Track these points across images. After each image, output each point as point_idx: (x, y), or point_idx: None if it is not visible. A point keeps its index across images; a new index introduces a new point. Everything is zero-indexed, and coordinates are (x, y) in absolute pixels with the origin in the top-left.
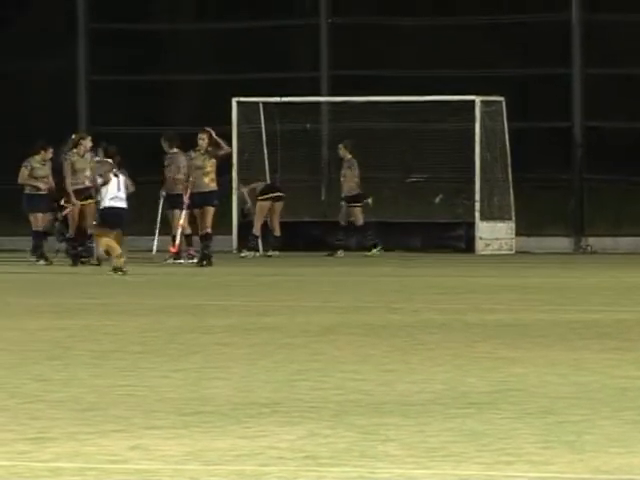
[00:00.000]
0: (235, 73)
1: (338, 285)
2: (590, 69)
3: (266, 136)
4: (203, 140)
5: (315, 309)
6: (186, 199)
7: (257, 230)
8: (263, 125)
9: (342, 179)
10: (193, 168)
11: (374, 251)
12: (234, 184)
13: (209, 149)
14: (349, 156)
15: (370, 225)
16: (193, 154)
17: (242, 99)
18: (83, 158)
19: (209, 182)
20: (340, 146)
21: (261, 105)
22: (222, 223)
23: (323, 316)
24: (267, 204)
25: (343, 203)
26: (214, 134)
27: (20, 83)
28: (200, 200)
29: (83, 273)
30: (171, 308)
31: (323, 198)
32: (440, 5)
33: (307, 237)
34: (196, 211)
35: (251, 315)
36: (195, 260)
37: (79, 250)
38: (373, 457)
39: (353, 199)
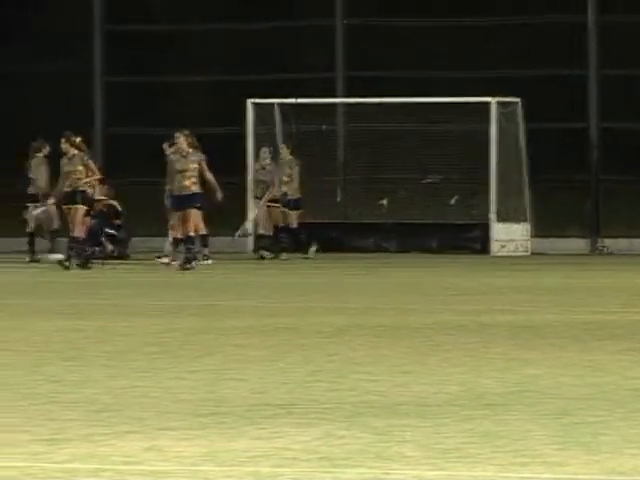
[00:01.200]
0: (250, 74)
1: (353, 286)
2: (605, 70)
3: (282, 137)
4: (179, 139)
5: (330, 310)
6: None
7: (270, 230)
8: (279, 126)
9: (286, 179)
10: (174, 171)
11: (312, 250)
12: (249, 186)
13: (190, 151)
14: (289, 157)
15: (304, 228)
16: (173, 157)
17: (257, 100)
18: (70, 161)
19: (190, 185)
20: (282, 146)
21: (276, 106)
22: (236, 225)
23: (338, 317)
24: (278, 210)
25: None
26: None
27: (35, 84)
28: (180, 203)
29: (95, 275)
30: (185, 309)
31: (339, 199)
32: (456, 5)
33: (324, 238)
34: (178, 214)
35: (266, 316)
36: (210, 261)
37: (89, 252)
38: (388, 458)
39: (295, 204)
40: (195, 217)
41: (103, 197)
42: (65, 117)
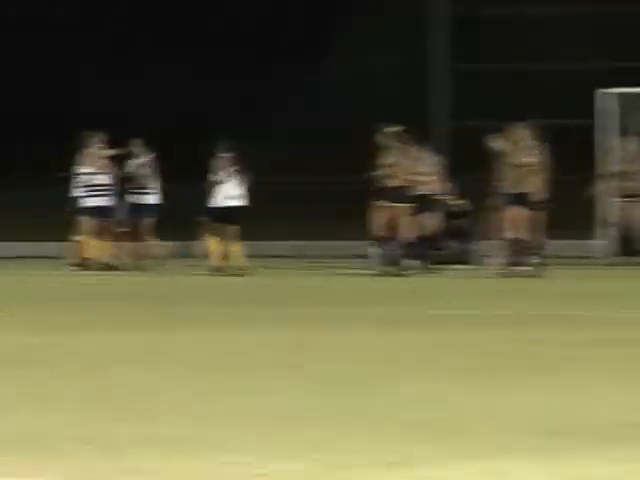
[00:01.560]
0: (602, 62)
1: None
2: None
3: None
4: (516, 132)
5: None
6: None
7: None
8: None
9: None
10: (511, 165)
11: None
12: (601, 182)
13: (531, 144)
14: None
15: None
16: (510, 150)
17: (608, 90)
18: (392, 155)
19: (527, 181)
20: (634, 138)
21: (628, 96)
22: (585, 227)
23: None
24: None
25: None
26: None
27: (376, 73)
28: (514, 201)
29: (429, 280)
30: (530, 319)
31: None
32: None
33: None
34: (510, 213)
35: (617, 328)
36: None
37: (425, 254)
38: None
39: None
40: (533, 218)
41: (447, 196)
42: (407, 109)
